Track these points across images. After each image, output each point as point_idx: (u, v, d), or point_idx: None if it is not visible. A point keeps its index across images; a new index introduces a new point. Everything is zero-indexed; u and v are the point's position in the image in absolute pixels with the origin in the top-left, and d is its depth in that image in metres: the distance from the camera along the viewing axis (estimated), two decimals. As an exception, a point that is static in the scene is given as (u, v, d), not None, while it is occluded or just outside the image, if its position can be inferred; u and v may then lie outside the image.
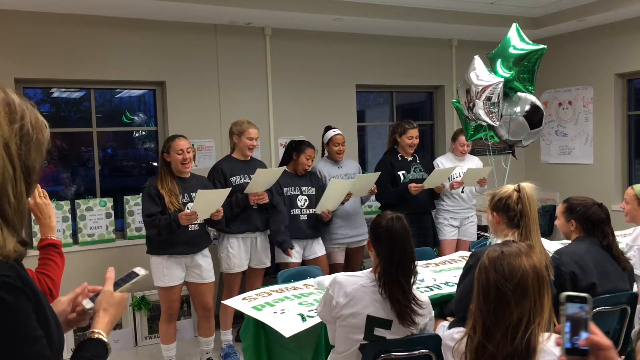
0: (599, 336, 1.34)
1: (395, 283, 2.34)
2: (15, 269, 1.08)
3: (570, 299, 1.35)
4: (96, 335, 1.33)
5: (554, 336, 1.61)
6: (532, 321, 1.68)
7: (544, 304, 1.71)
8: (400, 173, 4.85)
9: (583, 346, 1.34)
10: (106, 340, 1.34)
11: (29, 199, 2.02)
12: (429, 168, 5.01)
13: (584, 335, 1.34)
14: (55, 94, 5.21)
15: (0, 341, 1.03)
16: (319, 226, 4.64)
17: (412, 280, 2.41)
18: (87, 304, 1.44)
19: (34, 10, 4.57)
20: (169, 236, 3.88)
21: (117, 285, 1.47)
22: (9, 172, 1.05)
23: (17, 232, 1.09)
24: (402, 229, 2.37)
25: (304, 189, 4.55)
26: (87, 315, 1.44)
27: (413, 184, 4.71)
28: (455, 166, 5.03)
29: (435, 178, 4.75)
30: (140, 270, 1.57)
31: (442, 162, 5.23)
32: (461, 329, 1.90)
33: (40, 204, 2.05)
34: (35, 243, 4.24)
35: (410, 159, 4.94)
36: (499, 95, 3.91)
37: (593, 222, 2.89)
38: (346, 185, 4.49)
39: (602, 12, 5.60)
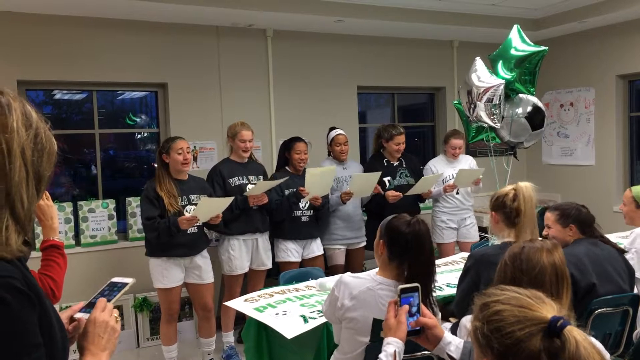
0: (426, 317, 1.68)
1: (424, 288, 2.29)
2: (21, 270, 1.08)
3: (404, 291, 1.67)
4: None
5: None
6: None
7: (561, 301, 1.73)
8: (386, 179, 4.82)
9: (414, 327, 1.65)
10: None
11: None
12: (416, 172, 4.96)
13: (415, 318, 1.66)
14: (57, 96, 5.22)
15: None
16: (317, 227, 4.67)
17: (433, 283, 2.36)
18: (86, 315, 1.40)
19: (36, 12, 4.58)
20: (168, 239, 3.90)
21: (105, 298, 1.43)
22: (23, 174, 1.09)
23: (25, 232, 1.12)
24: (427, 232, 2.32)
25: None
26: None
27: (391, 192, 4.68)
28: (440, 174, 4.99)
29: (420, 186, 4.70)
30: (125, 279, 1.53)
31: (435, 165, 5.17)
32: None
33: (42, 206, 2.05)
34: (37, 244, 4.26)
35: (396, 164, 4.91)
36: (500, 97, 3.91)
37: (588, 222, 2.95)
38: (325, 174, 4.43)
39: (603, 13, 5.61)
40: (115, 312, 1.39)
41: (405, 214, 2.38)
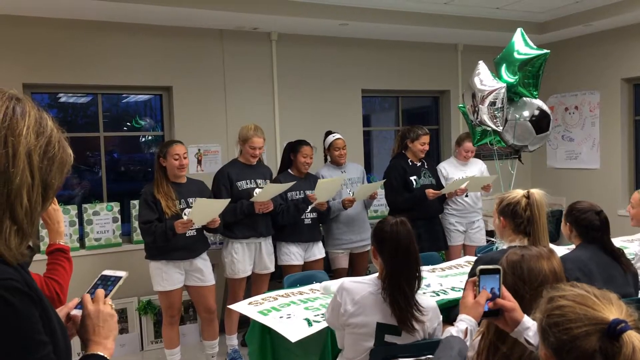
0: (505, 300, 1.64)
1: (397, 287, 2.32)
2: (21, 273, 1.09)
3: (484, 272, 1.67)
4: (93, 354, 1.30)
5: None
6: None
7: None
8: (412, 178, 4.84)
9: (492, 309, 1.64)
10: (107, 357, 1.30)
11: None
12: (435, 174, 5.03)
13: (494, 300, 1.65)
14: (63, 99, 5.24)
15: (5, 345, 1.04)
16: (319, 230, 4.71)
17: (417, 285, 2.39)
18: (81, 311, 1.40)
19: (41, 15, 4.60)
20: (165, 243, 3.89)
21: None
22: (27, 177, 1.09)
23: (25, 236, 1.11)
24: (407, 233, 2.36)
25: (308, 193, 4.55)
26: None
27: (431, 190, 4.72)
28: (472, 177, 5.02)
29: (453, 187, 4.81)
30: (117, 273, 1.51)
31: (445, 167, 5.21)
32: (478, 328, 1.93)
33: (49, 210, 2.05)
34: (43, 248, 4.27)
35: (419, 164, 4.94)
36: (502, 100, 3.90)
37: (585, 227, 2.87)
38: (334, 182, 4.47)
39: (608, 17, 5.60)
40: (108, 301, 1.39)
41: (390, 217, 2.44)
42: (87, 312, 1.36)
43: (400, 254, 2.33)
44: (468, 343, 1.64)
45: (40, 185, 1.12)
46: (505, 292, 1.66)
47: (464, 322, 1.66)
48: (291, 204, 4.45)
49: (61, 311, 1.41)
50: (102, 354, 1.29)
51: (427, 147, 4.90)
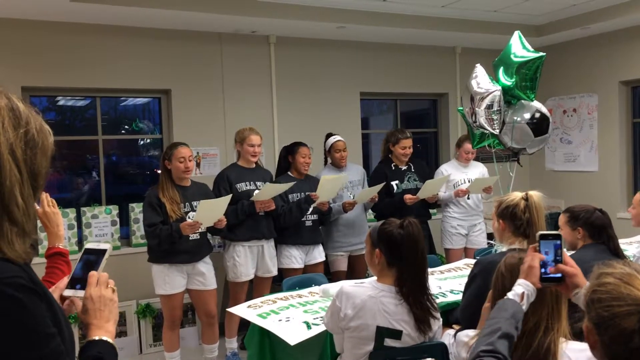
0: (567, 265, 1.63)
1: (419, 286, 2.38)
2: (25, 270, 1.09)
3: (544, 237, 1.67)
4: (97, 338, 1.30)
5: (571, 342, 1.71)
6: (551, 328, 1.70)
7: (561, 311, 1.75)
8: (394, 183, 4.84)
9: (554, 274, 1.64)
10: (111, 341, 1.31)
11: (38, 207, 2.03)
12: (425, 177, 4.99)
13: (554, 265, 1.65)
14: (61, 102, 5.24)
15: (17, 341, 1.05)
16: (320, 232, 4.70)
17: (427, 281, 2.46)
18: (77, 292, 1.39)
19: (40, 19, 4.61)
20: (170, 246, 3.89)
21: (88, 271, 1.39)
22: (16, 176, 1.07)
23: (27, 235, 1.11)
24: (419, 232, 2.41)
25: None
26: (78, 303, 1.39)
27: (408, 196, 4.70)
28: (447, 176, 5.01)
29: (428, 189, 4.72)
30: (100, 245, 1.48)
31: (447, 169, 5.22)
32: (476, 331, 1.93)
33: (48, 213, 2.05)
34: (42, 251, 4.26)
35: (404, 168, 4.93)
36: (499, 103, 3.91)
37: (598, 227, 2.92)
38: (338, 179, 4.49)
39: (605, 19, 5.61)
40: (111, 283, 1.38)
41: (394, 219, 2.45)
42: (89, 294, 1.35)
43: (420, 254, 2.39)
44: (524, 307, 1.63)
45: (29, 177, 1.10)
46: (567, 257, 1.67)
47: (521, 287, 1.66)
48: (293, 204, 4.44)
49: (54, 293, 1.41)
50: (105, 338, 1.30)
51: (408, 151, 4.87)
